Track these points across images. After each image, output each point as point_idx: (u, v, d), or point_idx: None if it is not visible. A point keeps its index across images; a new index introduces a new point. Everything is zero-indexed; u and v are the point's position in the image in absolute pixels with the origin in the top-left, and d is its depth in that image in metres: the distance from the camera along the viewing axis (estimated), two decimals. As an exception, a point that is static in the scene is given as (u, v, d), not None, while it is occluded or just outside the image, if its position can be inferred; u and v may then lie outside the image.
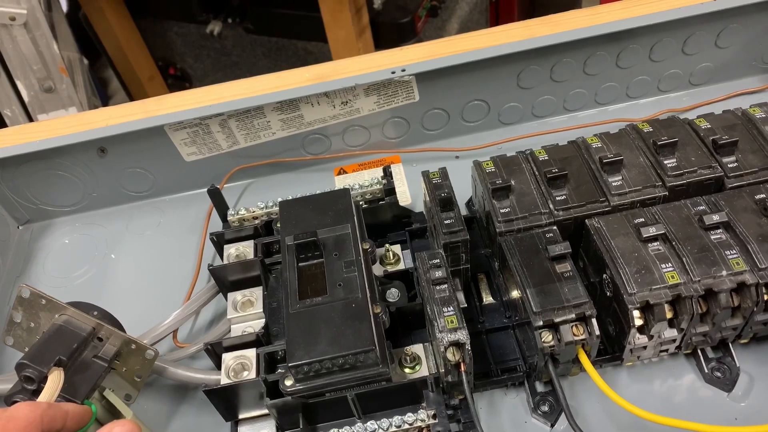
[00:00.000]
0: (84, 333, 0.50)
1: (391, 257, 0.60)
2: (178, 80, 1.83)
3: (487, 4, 1.78)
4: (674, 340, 0.51)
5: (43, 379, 0.45)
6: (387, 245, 0.60)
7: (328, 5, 1.33)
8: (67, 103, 1.31)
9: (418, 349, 0.53)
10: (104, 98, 1.90)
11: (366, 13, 1.40)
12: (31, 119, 1.29)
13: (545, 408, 0.53)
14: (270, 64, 1.64)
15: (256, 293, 0.58)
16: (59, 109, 1.31)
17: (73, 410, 0.43)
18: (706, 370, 0.53)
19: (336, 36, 1.38)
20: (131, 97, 1.80)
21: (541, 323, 0.48)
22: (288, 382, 0.48)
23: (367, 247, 0.55)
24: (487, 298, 0.60)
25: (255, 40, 1.62)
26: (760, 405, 0.52)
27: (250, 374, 0.51)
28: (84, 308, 0.52)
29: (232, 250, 0.60)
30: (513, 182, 0.57)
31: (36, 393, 0.45)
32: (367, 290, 0.50)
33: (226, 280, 0.59)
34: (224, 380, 0.51)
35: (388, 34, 1.47)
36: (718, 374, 0.53)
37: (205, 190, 0.64)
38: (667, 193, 0.55)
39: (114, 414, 0.50)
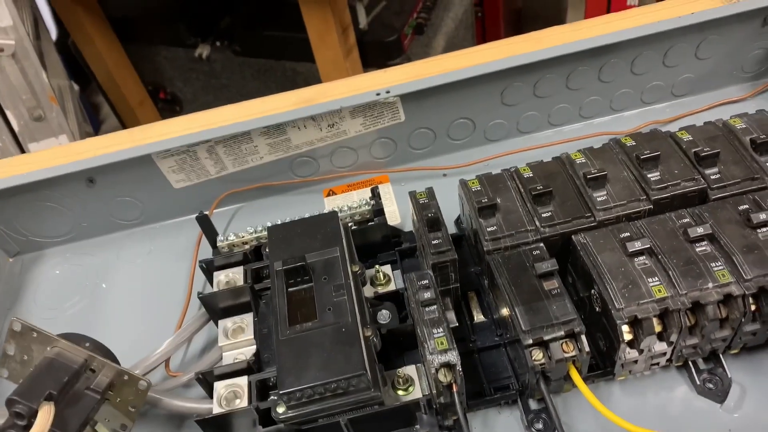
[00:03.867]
0: (75, 365, 0.50)
1: (382, 278, 0.60)
2: (168, 104, 1.84)
3: (472, 20, 1.80)
4: (665, 353, 0.51)
5: (34, 415, 0.45)
6: (377, 266, 0.60)
7: (314, 26, 1.34)
8: (57, 131, 1.31)
9: (410, 370, 0.53)
10: (96, 124, 1.91)
11: (352, 32, 1.41)
12: (21, 148, 1.29)
13: (539, 425, 0.53)
14: (259, 86, 1.65)
15: (247, 320, 0.58)
16: (50, 137, 1.31)
17: (63, 446, 0.42)
18: (698, 382, 0.53)
19: (324, 56, 1.39)
20: (122, 122, 1.81)
21: (530, 341, 0.48)
22: (280, 410, 0.48)
23: (357, 269, 0.56)
24: (478, 317, 0.60)
25: (244, 62, 1.63)
26: (753, 415, 0.52)
27: (242, 402, 0.51)
28: (75, 339, 0.52)
29: (221, 277, 0.60)
30: (499, 200, 0.58)
31: (27, 429, 0.45)
32: (357, 314, 0.50)
33: (216, 307, 0.59)
34: (216, 409, 0.51)
35: (375, 52, 1.48)
36: (710, 386, 0.53)
37: (195, 216, 0.64)
38: (651, 206, 0.56)
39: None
